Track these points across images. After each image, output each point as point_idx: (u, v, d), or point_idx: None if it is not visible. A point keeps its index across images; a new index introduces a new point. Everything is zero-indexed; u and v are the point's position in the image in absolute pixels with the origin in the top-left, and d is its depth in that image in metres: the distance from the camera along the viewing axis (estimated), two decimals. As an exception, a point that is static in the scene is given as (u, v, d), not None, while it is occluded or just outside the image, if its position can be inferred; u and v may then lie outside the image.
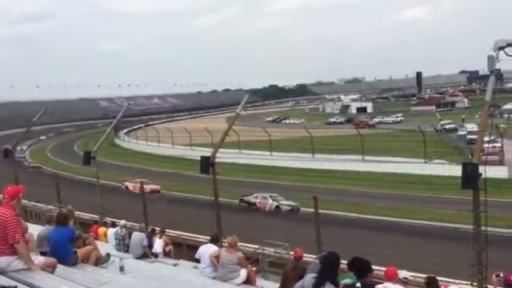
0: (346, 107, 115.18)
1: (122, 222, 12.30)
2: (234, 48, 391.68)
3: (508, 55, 10.26)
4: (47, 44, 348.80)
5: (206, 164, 14.11)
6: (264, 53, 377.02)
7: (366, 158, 40.17)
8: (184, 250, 16.04)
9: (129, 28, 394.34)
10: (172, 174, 43.02)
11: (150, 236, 12.63)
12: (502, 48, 10.11)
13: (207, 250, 9.02)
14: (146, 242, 11.17)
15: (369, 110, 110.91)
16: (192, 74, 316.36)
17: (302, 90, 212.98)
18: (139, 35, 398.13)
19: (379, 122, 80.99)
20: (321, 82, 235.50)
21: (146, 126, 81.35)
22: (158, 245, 12.79)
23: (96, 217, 18.41)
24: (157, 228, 14.07)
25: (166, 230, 14.79)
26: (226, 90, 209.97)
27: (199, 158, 14.70)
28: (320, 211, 13.43)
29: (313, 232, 13.33)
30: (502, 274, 7.46)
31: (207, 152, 16.76)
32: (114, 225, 14.82)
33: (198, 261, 9.57)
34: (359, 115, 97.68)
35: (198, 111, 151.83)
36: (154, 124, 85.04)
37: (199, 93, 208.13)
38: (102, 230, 14.46)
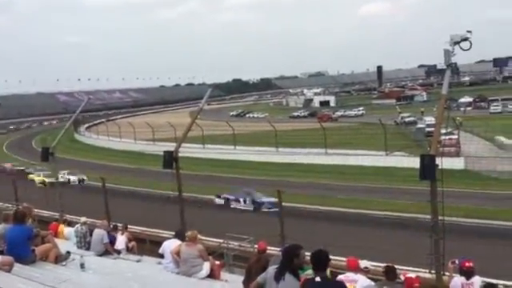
0: (309, 101, 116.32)
1: (82, 219, 12.04)
2: (197, 42, 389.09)
3: (463, 49, 10.59)
4: (2, 37, 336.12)
5: (169, 159, 13.96)
6: (227, 47, 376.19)
7: (329, 151, 40.75)
8: (148, 246, 15.83)
9: (89, 21, 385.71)
10: (133, 170, 42.39)
11: (112, 232, 12.42)
12: (457, 43, 10.43)
13: (170, 246, 8.95)
14: (107, 239, 10.97)
15: (331, 103, 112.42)
16: (154, 68, 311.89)
17: (265, 84, 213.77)
18: (100, 28, 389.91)
19: (342, 116, 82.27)
20: (284, 76, 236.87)
21: (107, 120, 79.89)
22: (121, 241, 12.60)
23: (56, 214, 17.94)
24: (119, 224, 13.85)
25: (129, 226, 14.57)
26: (189, 85, 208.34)
27: (162, 153, 14.55)
28: (284, 204, 13.52)
29: (278, 225, 13.47)
30: (457, 261, 7.74)
31: (170, 147, 16.59)
32: (70, 223, 14.51)
33: (162, 256, 9.50)
34: (322, 109, 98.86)
35: (160, 106, 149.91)
36: (116, 119, 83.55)
37: (162, 87, 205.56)
38: (61, 227, 14.11)
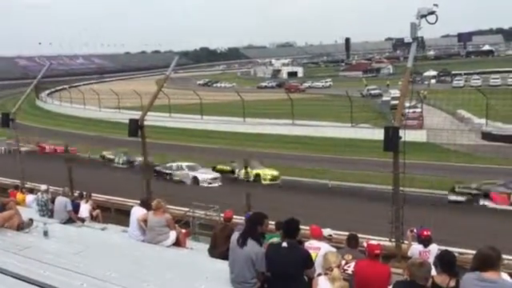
0: (277, 71, 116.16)
1: (43, 187, 11.79)
2: (163, 8, 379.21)
3: (429, 23, 10.72)
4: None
5: (135, 127, 13.78)
6: (195, 14, 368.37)
7: (296, 122, 41.04)
8: (113, 215, 15.77)
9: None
10: (97, 138, 41.65)
11: (76, 200, 12.26)
12: (424, 16, 10.54)
13: (136, 213, 8.93)
14: (70, 207, 10.82)
15: (299, 74, 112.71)
16: (120, 34, 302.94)
17: (233, 54, 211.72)
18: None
19: (309, 87, 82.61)
20: (252, 45, 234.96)
21: (70, 87, 77.62)
22: (85, 209, 12.47)
23: (17, 181, 17.55)
24: (80, 191, 13.70)
25: (94, 195, 14.43)
26: (156, 52, 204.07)
27: (127, 121, 14.34)
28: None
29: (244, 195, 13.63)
30: (415, 230, 8.05)
31: (136, 115, 16.35)
32: (31, 191, 14.22)
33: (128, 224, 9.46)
34: (290, 80, 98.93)
35: (126, 73, 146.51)
36: (79, 85, 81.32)
37: (127, 53, 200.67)
38: (20, 196, 13.81)
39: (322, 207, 17.75)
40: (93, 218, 12.83)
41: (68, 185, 15.10)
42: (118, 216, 14.67)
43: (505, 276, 5.83)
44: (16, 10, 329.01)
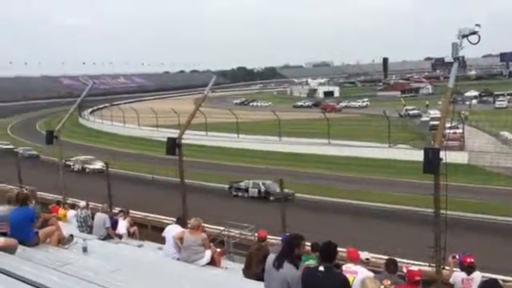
0: (313, 91, 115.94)
1: (82, 203, 12.07)
2: (204, 29, 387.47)
3: (471, 43, 10.50)
4: (7, 18, 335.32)
5: (172, 145, 14.00)
6: (233, 35, 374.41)
7: (332, 141, 40.68)
8: (149, 232, 15.95)
9: (95, 3, 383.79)
10: (137, 155, 42.48)
11: (114, 217, 12.48)
12: (465, 36, 10.33)
13: (172, 231, 8.99)
14: (108, 223, 11.02)
15: (336, 94, 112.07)
16: (160, 54, 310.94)
17: (270, 73, 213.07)
18: (106, 11, 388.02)
19: (346, 107, 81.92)
20: (289, 65, 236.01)
21: (111, 105, 79.72)
22: (122, 226, 12.66)
23: (59, 197, 18.04)
24: (121, 209, 13.92)
25: (131, 211, 14.65)
26: (194, 71, 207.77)
27: (165, 139, 14.58)
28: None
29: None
30: (457, 256, 7.76)
31: (174, 133, 16.61)
32: (73, 207, 14.56)
33: (164, 241, 9.53)
34: (326, 99, 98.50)
35: (164, 92, 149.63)
36: (120, 104, 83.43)
37: (166, 73, 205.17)
38: (61, 211, 14.16)
39: (360, 229, 17.43)
40: (130, 235, 13.01)
41: (107, 201, 15.41)
42: (155, 233, 14.82)
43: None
44: (57, 30, 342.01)
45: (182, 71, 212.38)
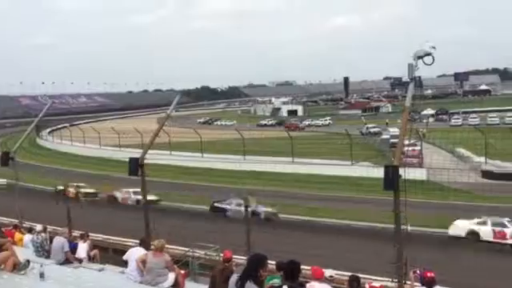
0: (277, 110, 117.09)
1: (38, 227, 11.67)
2: (165, 48, 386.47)
3: (426, 64, 10.85)
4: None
5: (135, 165, 13.76)
6: (197, 54, 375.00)
7: (296, 159, 41.02)
8: (111, 255, 15.55)
9: (56, 23, 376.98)
10: (98, 176, 41.54)
11: (73, 241, 12.11)
12: (420, 57, 10.68)
13: (135, 254, 8.81)
14: (67, 248, 10.68)
15: (299, 112, 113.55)
16: (122, 74, 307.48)
17: (233, 92, 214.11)
18: (67, 31, 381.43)
19: (309, 125, 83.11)
20: (252, 84, 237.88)
21: (71, 125, 77.94)
22: (82, 249, 12.29)
23: (15, 221, 17.38)
24: (80, 232, 13.54)
25: (91, 234, 14.26)
26: (157, 91, 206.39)
27: (128, 160, 14.33)
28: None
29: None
30: (418, 271, 7.93)
31: (137, 153, 16.36)
32: (30, 230, 14.06)
33: (126, 264, 9.32)
34: (290, 118, 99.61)
35: (127, 111, 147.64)
36: (80, 124, 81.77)
37: (129, 92, 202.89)
38: (17, 235, 13.64)
39: (322, 246, 17.52)
40: (90, 259, 12.63)
41: (67, 224, 14.96)
42: (117, 256, 14.46)
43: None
44: (23, 50, 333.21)
45: (145, 90, 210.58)
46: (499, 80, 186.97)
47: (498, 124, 64.67)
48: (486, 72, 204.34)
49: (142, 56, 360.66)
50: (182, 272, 9.22)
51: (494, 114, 73.78)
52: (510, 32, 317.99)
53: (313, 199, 28.82)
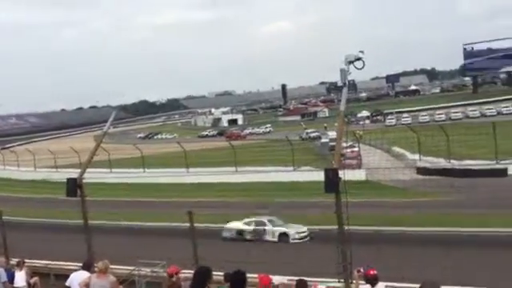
0: (217, 120, 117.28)
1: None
2: (99, 63, 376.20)
3: (357, 68, 11.28)
4: None
5: (73, 186, 13.30)
6: (132, 67, 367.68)
7: (240, 168, 41.18)
8: (52, 281, 14.89)
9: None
10: (33, 199, 39.68)
11: (11, 269, 11.51)
12: (351, 62, 11.10)
13: (78, 278, 8.52)
14: (5, 277, 10.15)
15: (239, 122, 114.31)
16: (55, 92, 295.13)
17: (173, 105, 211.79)
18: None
19: (250, 133, 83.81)
20: (191, 96, 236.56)
21: (2, 148, 74.14)
22: (20, 278, 11.71)
23: None
24: (16, 259, 12.90)
25: (28, 261, 13.61)
26: (93, 107, 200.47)
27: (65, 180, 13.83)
28: (196, 225, 13.41)
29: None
30: (362, 270, 8.19)
31: (75, 173, 15.82)
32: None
33: (68, 290, 8.99)
34: (230, 127, 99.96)
35: (62, 131, 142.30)
36: (12, 146, 77.87)
37: (63, 110, 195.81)
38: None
39: (269, 254, 17.67)
40: (31, 286, 12.07)
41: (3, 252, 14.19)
42: (59, 282, 13.87)
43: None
44: None
45: (80, 108, 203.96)
46: (427, 80, 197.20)
47: (428, 122, 68.17)
48: (415, 73, 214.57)
49: (74, 73, 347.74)
50: (129, 292, 9.01)
51: (425, 113, 77.72)
52: (434, 32, 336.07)
53: (259, 207, 28.94)
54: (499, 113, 71.33)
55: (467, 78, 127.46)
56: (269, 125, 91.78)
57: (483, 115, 70.45)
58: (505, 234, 18.53)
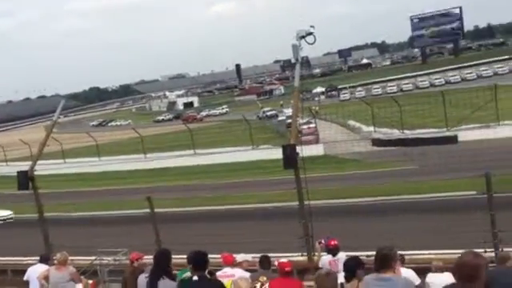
0: (172, 103, 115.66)
1: None
2: (44, 53, 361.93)
3: (309, 43, 11.29)
4: None
5: (24, 179, 12.84)
6: (79, 56, 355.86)
7: (198, 151, 40.91)
8: (10, 277, 14.43)
9: None
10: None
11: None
12: (303, 37, 11.09)
13: (36, 271, 8.28)
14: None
15: (195, 104, 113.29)
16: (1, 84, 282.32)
17: (125, 91, 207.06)
18: None
19: (207, 115, 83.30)
20: (144, 80, 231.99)
21: None
22: (-25, 277, 11.28)
23: None
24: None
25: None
26: (41, 97, 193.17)
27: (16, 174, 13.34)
28: (157, 210, 13.26)
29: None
30: (323, 241, 8.35)
31: (26, 166, 15.25)
32: None
33: (27, 285, 8.76)
34: (186, 110, 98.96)
35: (9, 123, 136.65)
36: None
37: (9, 102, 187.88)
38: None
39: (232, 233, 17.67)
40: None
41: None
42: (17, 277, 13.45)
43: (408, 272, 6.21)
44: None
45: (27, 98, 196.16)
46: (378, 53, 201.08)
47: (380, 94, 69.74)
48: (366, 46, 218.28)
49: (19, 62, 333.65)
50: (90, 282, 8.84)
51: (377, 86, 79.47)
52: (381, 6, 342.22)
53: (219, 188, 28.92)
54: (447, 82, 73.90)
55: (416, 50, 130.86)
56: (225, 106, 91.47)
57: (432, 85, 72.75)
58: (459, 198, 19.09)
